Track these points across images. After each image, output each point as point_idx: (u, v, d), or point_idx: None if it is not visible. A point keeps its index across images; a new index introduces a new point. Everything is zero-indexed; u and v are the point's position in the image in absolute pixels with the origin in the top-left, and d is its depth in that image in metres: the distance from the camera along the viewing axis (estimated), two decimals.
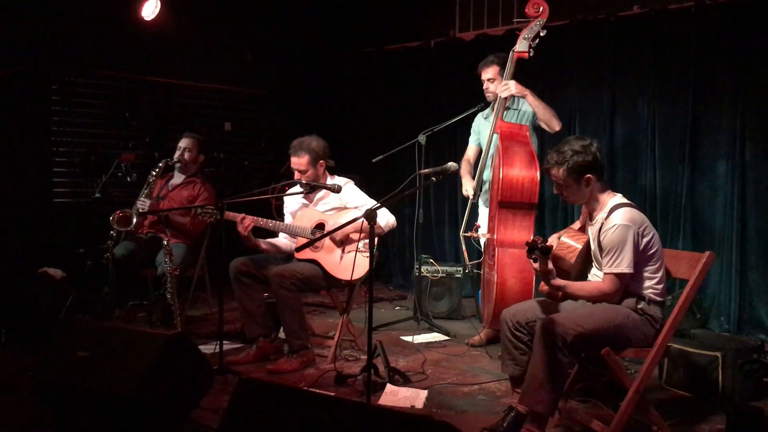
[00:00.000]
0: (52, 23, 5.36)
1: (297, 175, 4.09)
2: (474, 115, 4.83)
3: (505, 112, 4.45)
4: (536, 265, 2.78)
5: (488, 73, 4.50)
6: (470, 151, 4.82)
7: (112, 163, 4.63)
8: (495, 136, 4.29)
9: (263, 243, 4.13)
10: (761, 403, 3.33)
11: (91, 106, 5.83)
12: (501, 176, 4.06)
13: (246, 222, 3.92)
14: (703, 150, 4.92)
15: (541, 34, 4.24)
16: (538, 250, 2.59)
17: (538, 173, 4.06)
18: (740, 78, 4.72)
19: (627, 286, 2.88)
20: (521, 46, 4.25)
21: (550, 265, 2.79)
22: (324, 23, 7.04)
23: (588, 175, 2.91)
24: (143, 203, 4.36)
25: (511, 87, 4.24)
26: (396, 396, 3.43)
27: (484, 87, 4.55)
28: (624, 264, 2.77)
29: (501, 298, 3.96)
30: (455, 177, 5.89)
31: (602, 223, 2.88)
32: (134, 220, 4.25)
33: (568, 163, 2.91)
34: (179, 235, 4.50)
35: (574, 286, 2.82)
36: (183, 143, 4.72)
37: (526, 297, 3.84)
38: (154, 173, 4.49)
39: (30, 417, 3.09)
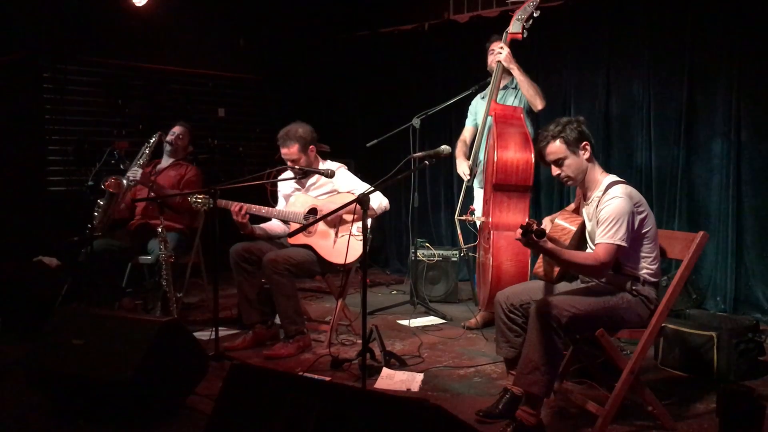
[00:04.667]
0: (43, 10, 5.32)
1: (290, 164, 4.07)
2: (469, 98, 4.80)
3: (503, 92, 4.43)
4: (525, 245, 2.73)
5: (497, 46, 4.46)
6: (467, 132, 4.78)
7: (106, 150, 4.60)
8: (489, 118, 4.27)
9: (258, 229, 4.12)
10: (756, 382, 3.36)
11: (83, 94, 5.79)
12: (495, 159, 4.04)
13: (242, 211, 3.91)
14: (698, 130, 4.91)
15: (535, 15, 4.21)
16: (532, 233, 2.57)
17: (533, 155, 4.04)
18: (736, 58, 4.69)
19: (621, 266, 2.87)
20: (515, 27, 4.22)
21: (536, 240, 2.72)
22: (317, 7, 6.98)
23: (585, 142, 2.89)
24: (135, 173, 4.36)
25: (503, 53, 4.22)
26: (392, 380, 3.44)
27: (491, 58, 4.49)
28: (619, 235, 2.73)
29: (497, 281, 3.97)
30: (451, 160, 5.88)
31: (599, 199, 2.86)
32: (125, 184, 4.29)
33: (564, 132, 2.88)
34: (173, 220, 4.50)
35: (568, 253, 2.79)
36: (177, 129, 4.76)
37: (521, 280, 3.84)
38: (148, 143, 4.50)
39: (26, 405, 3.09)
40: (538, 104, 4.29)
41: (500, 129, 4.11)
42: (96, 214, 4.32)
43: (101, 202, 4.33)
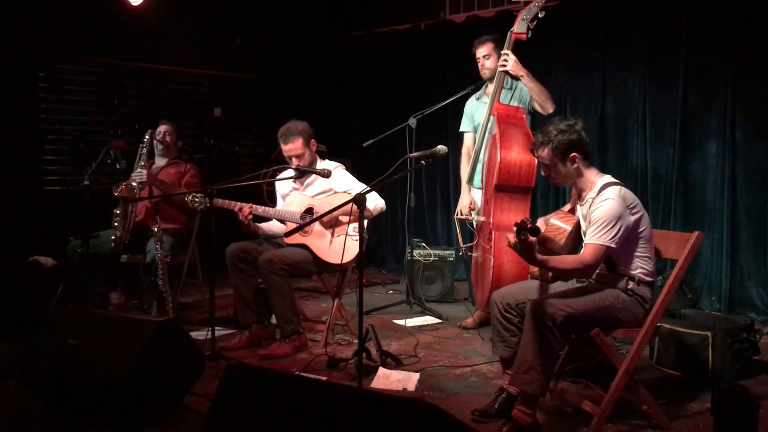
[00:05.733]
0: (38, 10, 5.31)
1: (295, 161, 4.07)
2: (465, 98, 4.78)
3: (501, 92, 4.42)
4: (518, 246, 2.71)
5: (483, 50, 4.46)
6: (468, 141, 4.69)
7: (101, 150, 4.60)
8: (492, 118, 4.26)
9: (260, 228, 4.12)
10: (751, 382, 3.37)
11: (79, 93, 5.78)
12: (499, 159, 4.02)
13: (245, 210, 3.91)
14: (694, 131, 4.92)
15: (540, 15, 4.19)
16: (526, 230, 2.58)
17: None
18: (731, 58, 4.71)
19: (616, 266, 2.89)
20: (520, 27, 4.20)
21: (531, 239, 2.72)
22: (313, 6, 6.99)
23: (573, 154, 2.90)
24: (140, 174, 4.38)
25: (510, 62, 4.20)
26: (388, 379, 3.44)
27: (480, 65, 4.50)
28: (608, 237, 2.74)
29: (497, 282, 3.95)
30: (448, 161, 5.89)
31: (593, 200, 2.87)
32: (136, 191, 4.33)
33: (553, 143, 2.89)
34: (170, 220, 4.51)
35: (555, 259, 2.81)
36: (162, 128, 4.80)
37: (521, 280, 3.83)
38: (142, 144, 4.51)
39: (21, 406, 3.09)
40: (549, 108, 4.29)
41: (503, 129, 4.09)
42: (116, 224, 4.32)
43: (117, 212, 4.32)
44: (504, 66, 4.22)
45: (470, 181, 4.60)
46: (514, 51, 4.25)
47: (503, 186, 4.07)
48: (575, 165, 2.91)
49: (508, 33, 4.25)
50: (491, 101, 4.30)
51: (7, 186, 5.26)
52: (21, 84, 5.46)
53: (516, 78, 4.32)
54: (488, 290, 4.02)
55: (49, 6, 5.35)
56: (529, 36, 4.22)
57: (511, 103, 4.41)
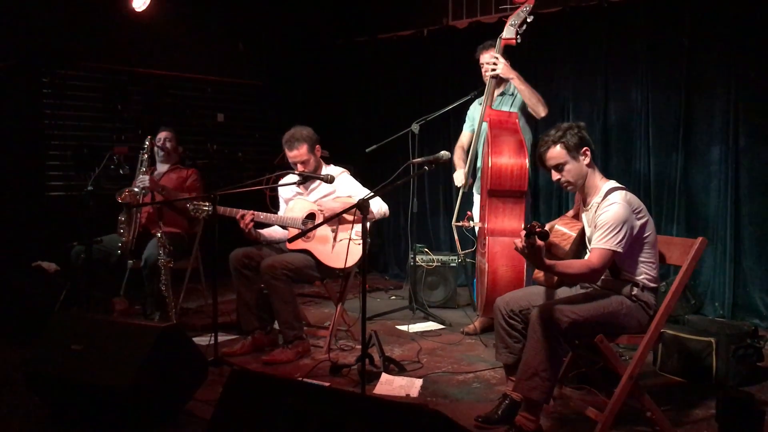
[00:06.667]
0: (42, 16, 5.33)
1: (300, 167, 4.08)
2: (468, 103, 4.80)
3: (500, 98, 4.43)
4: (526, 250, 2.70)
5: (487, 56, 4.48)
6: (464, 138, 4.76)
7: (105, 155, 4.62)
8: (484, 124, 4.27)
9: (261, 234, 4.13)
10: (755, 388, 3.36)
11: (82, 99, 5.79)
12: (489, 165, 4.04)
13: (247, 218, 3.91)
14: (696, 136, 4.92)
15: (528, 20, 4.20)
16: (535, 235, 2.57)
17: (527, 160, 4.04)
18: (734, 64, 4.71)
19: (620, 272, 2.88)
20: (508, 32, 4.22)
21: (540, 243, 2.72)
22: (316, 12, 7.00)
23: (586, 148, 2.91)
24: (142, 180, 4.40)
25: (500, 66, 4.22)
26: (391, 385, 3.44)
27: (483, 71, 4.52)
28: (615, 241, 2.74)
29: (492, 287, 3.96)
30: (450, 166, 5.89)
31: (599, 204, 2.87)
32: (139, 197, 4.36)
33: (564, 138, 2.89)
34: (172, 224, 4.53)
35: (562, 264, 2.81)
36: (162, 135, 4.82)
37: (517, 285, 3.83)
38: (143, 150, 4.52)
39: (25, 411, 3.09)
40: (541, 112, 4.29)
41: (495, 135, 4.11)
42: (122, 230, 4.34)
43: (122, 219, 4.37)
44: (494, 69, 4.24)
45: (467, 186, 4.61)
46: (506, 56, 4.26)
47: (495, 191, 4.08)
48: (587, 160, 2.92)
49: (497, 39, 4.27)
50: (483, 108, 4.31)
51: (10, 191, 5.28)
52: (25, 90, 5.48)
53: (506, 81, 4.33)
54: (485, 295, 4.02)
55: (53, 12, 5.36)
56: (519, 42, 4.23)
57: (511, 110, 4.42)
